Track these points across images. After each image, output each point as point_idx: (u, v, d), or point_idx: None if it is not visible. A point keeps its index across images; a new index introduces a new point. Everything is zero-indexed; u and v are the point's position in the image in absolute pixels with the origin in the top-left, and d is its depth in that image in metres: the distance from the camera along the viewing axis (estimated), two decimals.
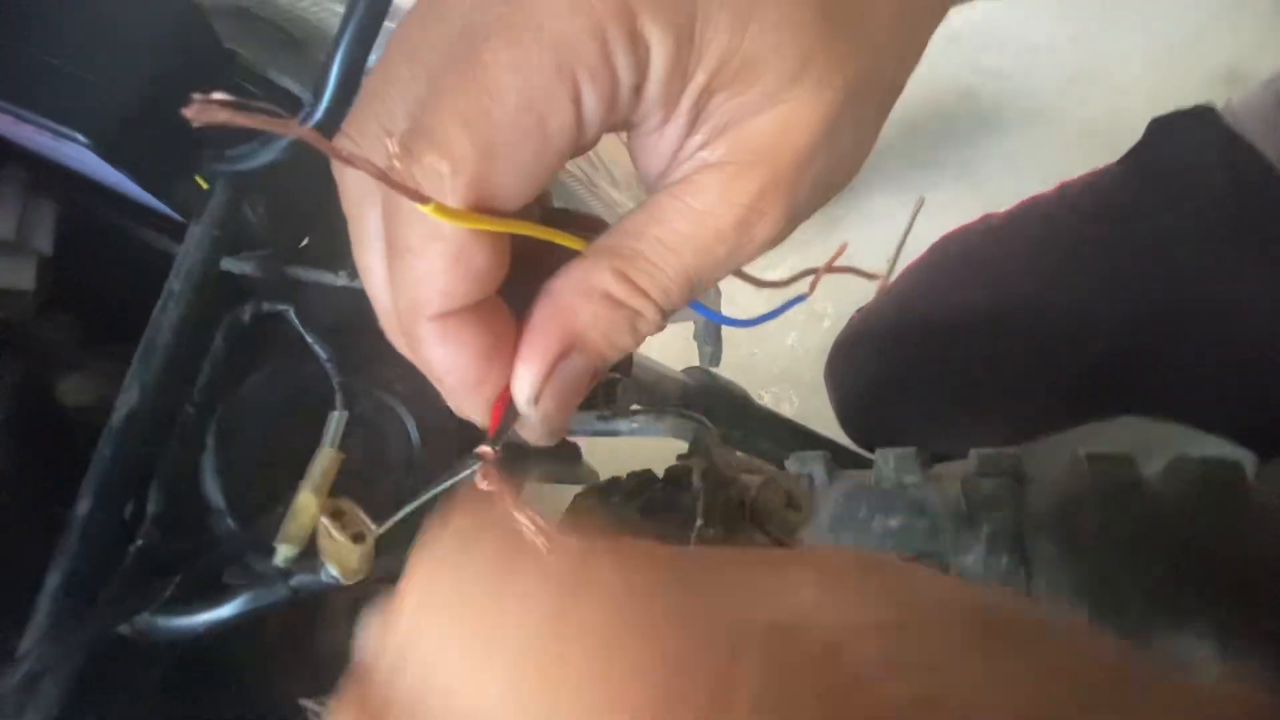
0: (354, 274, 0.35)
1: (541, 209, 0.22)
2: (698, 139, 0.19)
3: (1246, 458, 0.44)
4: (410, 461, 0.36)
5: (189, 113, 0.13)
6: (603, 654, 0.13)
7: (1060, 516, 0.39)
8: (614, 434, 0.47)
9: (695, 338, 0.74)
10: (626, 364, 0.50)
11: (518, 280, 0.19)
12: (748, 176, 0.19)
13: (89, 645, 0.28)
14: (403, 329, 0.19)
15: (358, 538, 0.23)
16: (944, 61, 1.50)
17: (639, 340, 0.21)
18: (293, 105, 0.35)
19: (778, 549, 0.39)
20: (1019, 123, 1.48)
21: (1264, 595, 0.37)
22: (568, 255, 0.20)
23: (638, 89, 0.18)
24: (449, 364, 0.19)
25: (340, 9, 0.30)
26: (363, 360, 0.35)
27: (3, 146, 0.32)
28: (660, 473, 0.46)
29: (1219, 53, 1.45)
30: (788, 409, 1.37)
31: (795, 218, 0.20)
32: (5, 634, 0.28)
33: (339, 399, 0.34)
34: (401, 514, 0.22)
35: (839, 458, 0.48)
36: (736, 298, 0.33)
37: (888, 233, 1.39)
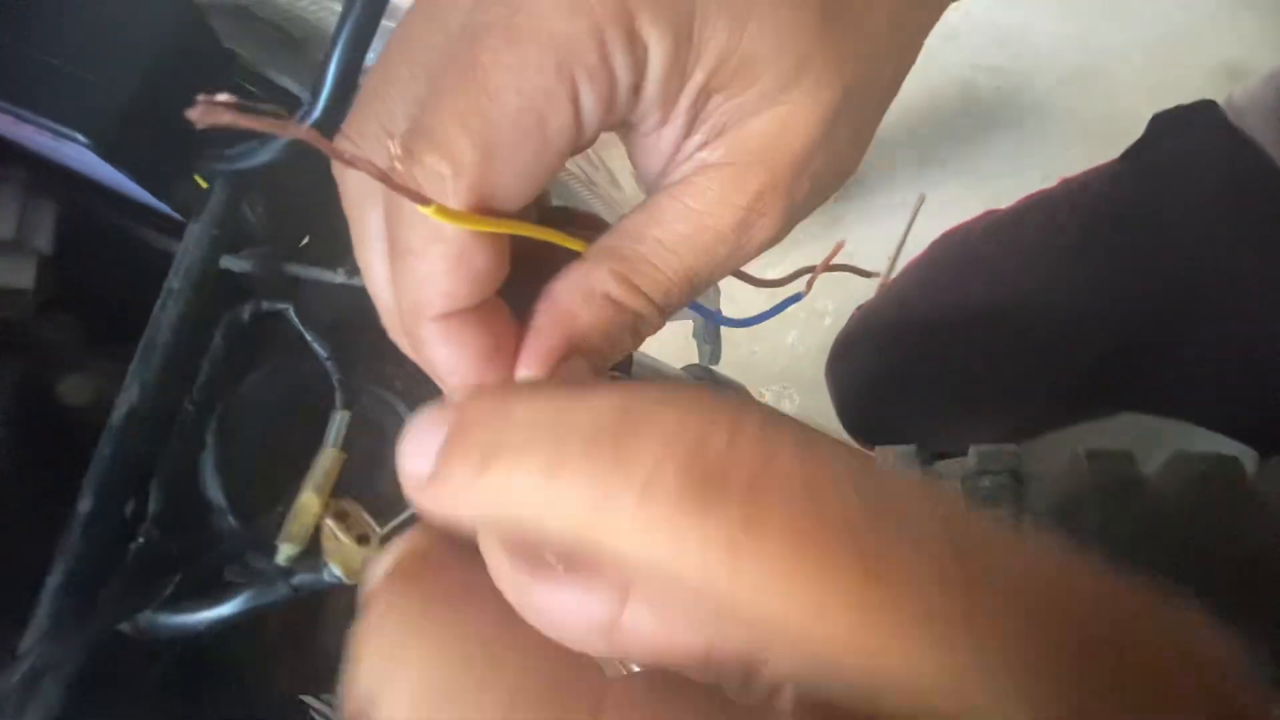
0: (353, 271, 0.35)
1: (539, 208, 0.22)
2: (696, 139, 0.19)
3: (1246, 455, 0.44)
4: None
5: (193, 114, 0.13)
6: None
7: (1060, 514, 0.39)
8: None
9: (694, 336, 0.74)
10: (626, 363, 0.50)
11: (518, 281, 0.19)
12: (747, 178, 0.19)
13: (90, 643, 0.28)
14: (405, 329, 0.19)
15: (362, 539, 0.24)
16: (944, 59, 1.50)
17: (639, 341, 0.21)
18: (291, 104, 0.35)
19: None
20: (1020, 119, 1.48)
21: (1264, 591, 0.37)
22: (567, 255, 0.20)
23: (636, 88, 0.18)
24: (451, 364, 0.19)
25: (338, 8, 0.30)
26: (361, 357, 0.35)
27: (3, 146, 0.32)
28: None
29: (1220, 48, 1.45)
30: (788, 407, 1.37)
31: (793, 218, 0.20)
32: (6, 632, 0.28)
33: (339, 398, 0.34)
34: (405, 515, 0.22)
35: None
36: (736, 295, 0.33)
37: (888, 230, 1.39)
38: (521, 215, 0.18)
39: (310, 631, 0.39)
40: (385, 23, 0.29)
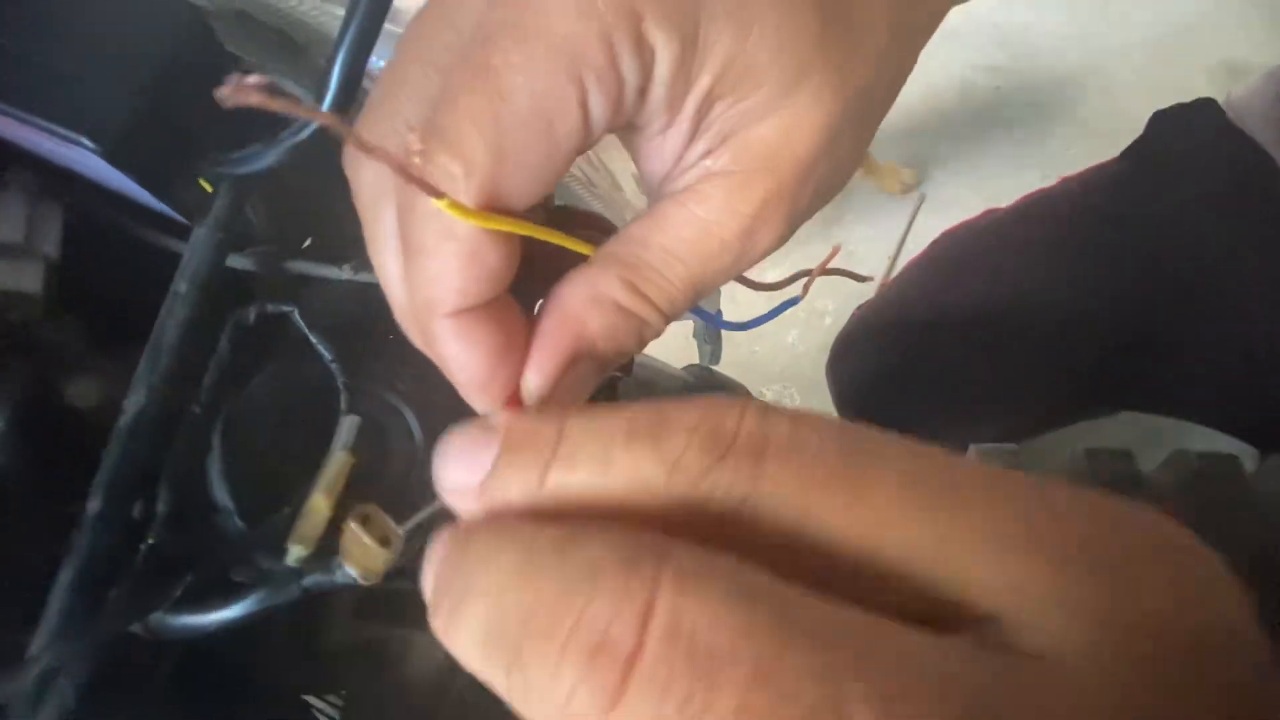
0: (358, 267, 0.36)
1: (544, 208, 0.22)
2: (701, 146, 0.20)
3: (1246, 453, 0.44)
4: (414, 457, 0.36)
5: (222, 93, 0.14)
6: None
7: None
8: None
9: (695, 336, 0.74)
10: (628, 363, 0.51)
11: (524, 276, 0.20)
12: (752, 186, 0.19)
13: (102, 644, 0.28)
14: (419, 326, 0.19)
15: (384, 541, 0.24)
16: (944, 58, 1.50)
17: (643, 345, 0.21)
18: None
19: None
20: (1020, 118, 1.48)
21: (1264, 590, 0.37)
22: (574, 253, 0.20)
23: (643, 91, 0.18)
24: (463, 359, 0.19)
25: (340, 12, 0.30)
26: (366, 357, 0.36)
27: (9, 151, 0.33)
28: None
29: (1220, 47, 1.45)
30: (789, 406, 1.37)
31: (796, 223, 0.21)
32: (16, 633, 0.28)
33: (344, 399, 0.34)
34: (422, 515, 0.23)
35: None
36: (737, 295, 0.34)
37: (888, 230, 1.39)
38: (528, 214, 0.19)
39: (315, 632, 0.39)
40: (388, 27, 0.30)
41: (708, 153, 0.19)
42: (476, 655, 0.14)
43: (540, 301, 0.21)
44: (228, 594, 0.31)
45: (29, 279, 0.31)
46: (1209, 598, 0.14)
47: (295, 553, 0.30)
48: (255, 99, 0.14)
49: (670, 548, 0.13)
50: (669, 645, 0.12)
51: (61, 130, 0.29)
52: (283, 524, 0.31)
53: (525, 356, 0.20)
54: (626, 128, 0.20)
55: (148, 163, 0.31)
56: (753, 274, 0.25)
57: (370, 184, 0.20)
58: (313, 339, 0.35)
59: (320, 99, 0.30)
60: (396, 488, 0.35)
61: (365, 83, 0.29)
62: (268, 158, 0.31)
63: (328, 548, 0.30)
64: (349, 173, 0.21)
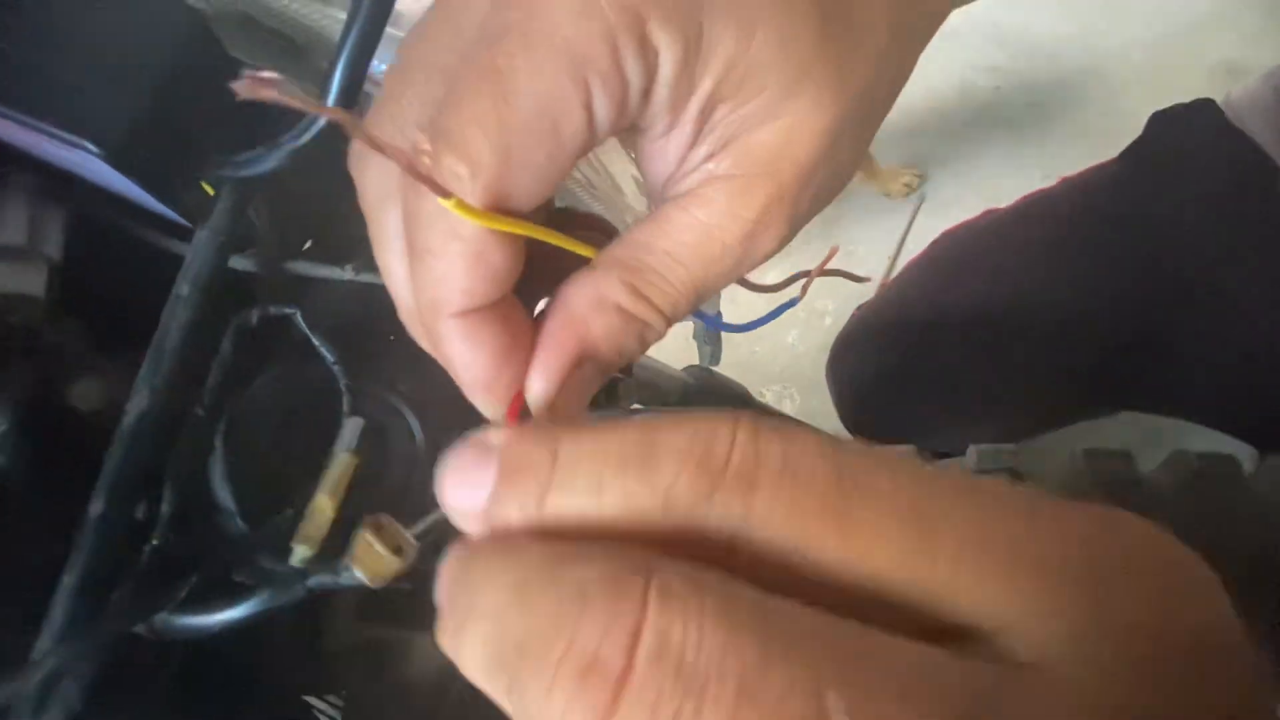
0: (360, 268, 0.36)
1: (546, 210, 0.22)
2: (703, 150, 0.20)
3: (1245, 452, 0.44)
4: (415, 458, 0.36)
5: (238, 87, 0.14)
6: None
7: None
8: None
9: (695, 337, 0.74)
10: (628, 365, 0.51)
11: (526, 277, 0.20)
12: (754, 190, 0.19)
13: (106, 645, 0.29)
14: (424, 327, 0.20)
15: (397, 550, 0.24)
16: (944, 58, 1.50)
17: (645, 348, 0.21)
18: (294, 112, 0.35)
19: None
20: (1019, 119, 1.48)
21: (1263, 590, 0.37)
22: (576, 255, 0.20)
23: (646, 93, 0.18)
24: (468, 360, 0.19)
25: (342, 16, 0.30)
26: (367, 358, 0.36)
27: (13, 154, 0.33)
28: None
29: (1220, 46, 1.45)
30: (789, 407, 1.37)
31: (797, 226, 0.21)
32: (21, 634, 0.28)
33: (346, 401, 0.34)
34: (426, 524, 0.23)
35: None
36: (737, 296, 0.34)
37: (887, 230, 1.39)
38: (532, 216, 0.19)
39: (316, 633, 0.39)
40: (390, 30, 0.30)
41: (710, 156, 0.20)
42: (480, 674, 0.14)
43: (542, 303, 0.21)
44: (232, 595, 0.31)
45: (31, 281, 0.32)
46: (1203, 599, 0.14)
47: (300, 553, 0.30)
48: (269, 94, 0.14)
49: (658, 566, 0.13)
50: (656, 665, 0.12)
51: (64, 134, 0.29)
52: (285, 525, 0.31)
53: (529, 357, 0.20)
54: (630, 130, 0.20)
55: (150, 166, 0.31)
56: (753, 275, 0.25)
57: (375, 184, 0.20)
58: (315, 341, 0.35)
59: (322, 101, 0.30)
60: (398, 489, 0.35)
61: (366, 86, 0.29)
62: (270, 161, 0.32)
63: (331, 549, 0.30)
64: (354, 173, 0.21)
